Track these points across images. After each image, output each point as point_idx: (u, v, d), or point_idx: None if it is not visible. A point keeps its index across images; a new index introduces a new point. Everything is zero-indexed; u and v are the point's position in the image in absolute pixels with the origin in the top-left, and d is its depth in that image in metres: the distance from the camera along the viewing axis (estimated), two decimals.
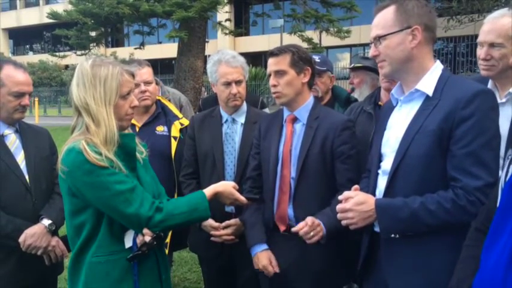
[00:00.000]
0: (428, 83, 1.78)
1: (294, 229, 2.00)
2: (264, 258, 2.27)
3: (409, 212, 1.69)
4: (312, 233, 1.98)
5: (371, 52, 1.88)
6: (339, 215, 1.81)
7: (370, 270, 1.97)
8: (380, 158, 1.93)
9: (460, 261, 1.47)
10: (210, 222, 2.54)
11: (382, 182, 1.87)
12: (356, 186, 1.87)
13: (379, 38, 1.81)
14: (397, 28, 1.78)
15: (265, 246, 2.30)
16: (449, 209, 1.64)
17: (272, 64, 2.25)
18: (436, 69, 1.81)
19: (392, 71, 1.84)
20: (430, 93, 1.77)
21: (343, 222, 1.81)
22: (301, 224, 2.00)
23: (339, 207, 1.81)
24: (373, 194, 1.90)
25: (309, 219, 2.00)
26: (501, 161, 1.64)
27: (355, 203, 1.78)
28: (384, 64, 1.84)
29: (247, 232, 2.38)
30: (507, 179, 1.27)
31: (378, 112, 2.56)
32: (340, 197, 1.82)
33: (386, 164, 1.85)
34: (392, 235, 1.77)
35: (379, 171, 1.92)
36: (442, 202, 1.66)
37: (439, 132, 1.68)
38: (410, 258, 1.76)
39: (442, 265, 1.58)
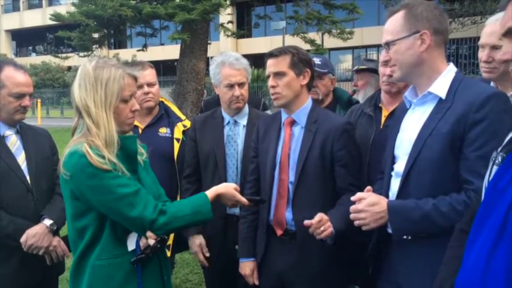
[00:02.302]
0: (441, 86, 1.79)
1: (306, 222, 1.98)
2: (247, 268, 2.38)
3: (421, 213, 1.69)
4: (322, 228, 1.96)
5: (382, 57, 1.89)
6: (351, 215, 1.81)
7: (382, 270, 1.97)
8: (393, 160, 1.94)
9: (444, 261, 1.48)
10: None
11: (395, 184, 1.88)
12: (369, 187, 1.87)
13: (388, 44, 1.82)
14: (405, 33, 1.79)
15: (252, 259, 2.38)
16: (462, 211, 1.63)
17: (271, 65, 2.22)
18: (450, 72, 1.82)
19: (402, 75, 1.85)
20: (443, 96, 1.77)
21: (356, 223, 1.81)
22: (308, 222, 1.99)
23: (352, 207, 1.81)
24: (386, 196, 1.90)
25: (318, 215, 1.98)
26: None
27: (368, 204, 1.78)
28: (394, 69, 1.86)
29: (239, 243, 2.44)
30: (490, 179, 1.28)
31: (378, 114, 2.57)
32: (352, 198, 1.82)
33: (399, 166, 1.86)
34: (405, 236, 1.77)
35: (392, 173, 1.92)
36: (455, 204, 1.66)
37: (452, 135, 1.69)
38: (422, 259, 1.76)
39: None
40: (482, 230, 1.16)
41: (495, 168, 1.28)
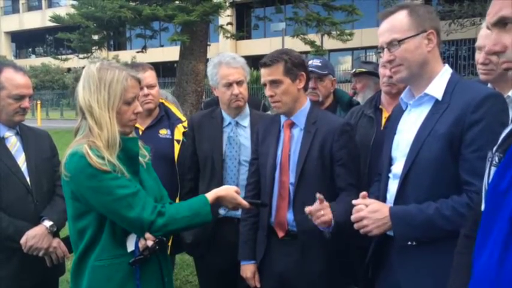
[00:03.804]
0: (437, 87, 1.78)
1: (306, 208, 1.96)
2: (248, 271, 2.37)
3: (425, 218, 1.68)
4: (322, 212, 1.94)
5: (385, 57, 1.83)
6: (355, 225, 1.81)
7: (381, 272, 1.96)
8: (390, 162, 1.93)
9: (452, 270, 1.45)
10: None
11: (393, 186, 1.87)
12: (364, 193, 1.85)
13: (398, 42, 1.78)
14: (413, 32, 1.77)
15: (253, 262, 2.37)
16: (465, 214, 1.61)
17: (266, 74, 2.21)
18: (445, 73, 1.81)
19: (409, 75, 1.82)
20: (440, 97, 1.77)
21: (361, 231, 1.81)
22: (308, 208, 1.98)
23: (353, 217, 1.81)
24: (384, 198, 1.90)
25: (319, 200, 1.96)
26: None
27: (369, 211, 1.78)
28: (400, 68, 1.81)
29: (240, 245, 2.43)
30: (489, 181, 1.27)
31: (379, 116, 2.57)
32: (354, 202, 1.82)
33: (397, 168, 1.85)
34: (409, 242, 1.76)
35: (390, 175, 1.91)
36: (457, 207, 1.65)
37: (450, 136, 1.68)
38: (423, 262, 1.75)
39: None
40: (489, 236, 1.13)
41: (493, 169, 1.26)
